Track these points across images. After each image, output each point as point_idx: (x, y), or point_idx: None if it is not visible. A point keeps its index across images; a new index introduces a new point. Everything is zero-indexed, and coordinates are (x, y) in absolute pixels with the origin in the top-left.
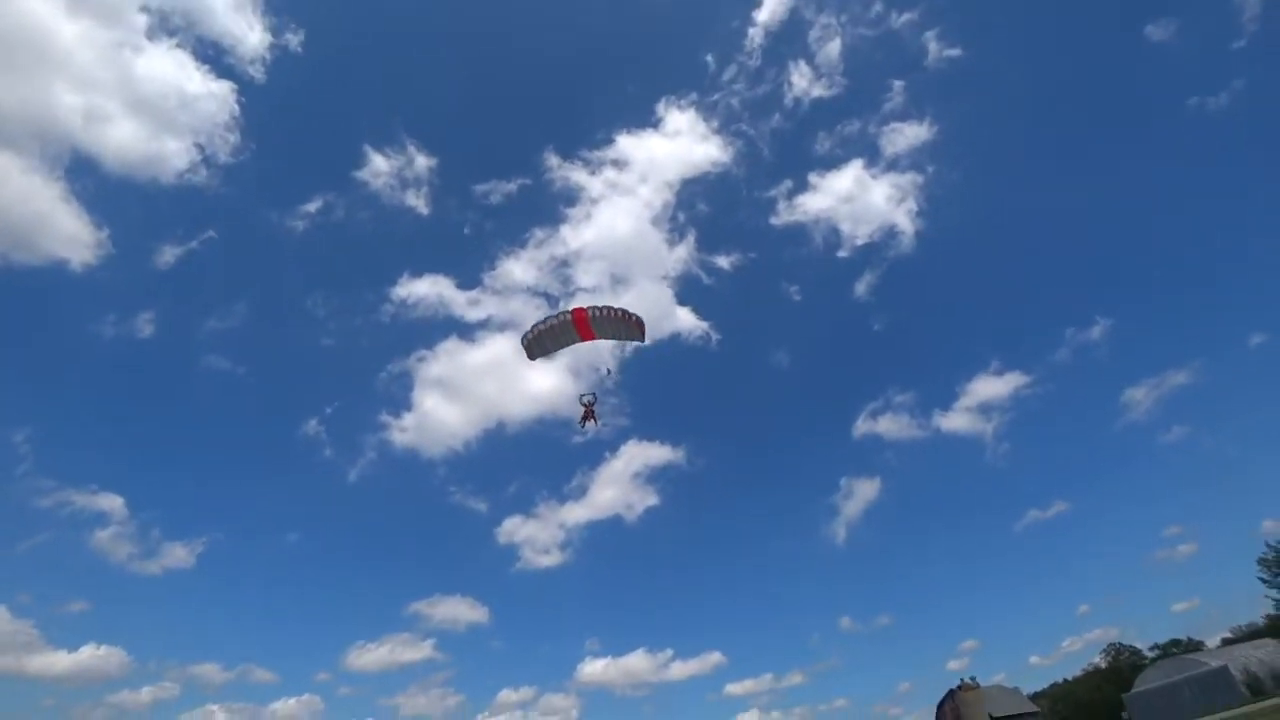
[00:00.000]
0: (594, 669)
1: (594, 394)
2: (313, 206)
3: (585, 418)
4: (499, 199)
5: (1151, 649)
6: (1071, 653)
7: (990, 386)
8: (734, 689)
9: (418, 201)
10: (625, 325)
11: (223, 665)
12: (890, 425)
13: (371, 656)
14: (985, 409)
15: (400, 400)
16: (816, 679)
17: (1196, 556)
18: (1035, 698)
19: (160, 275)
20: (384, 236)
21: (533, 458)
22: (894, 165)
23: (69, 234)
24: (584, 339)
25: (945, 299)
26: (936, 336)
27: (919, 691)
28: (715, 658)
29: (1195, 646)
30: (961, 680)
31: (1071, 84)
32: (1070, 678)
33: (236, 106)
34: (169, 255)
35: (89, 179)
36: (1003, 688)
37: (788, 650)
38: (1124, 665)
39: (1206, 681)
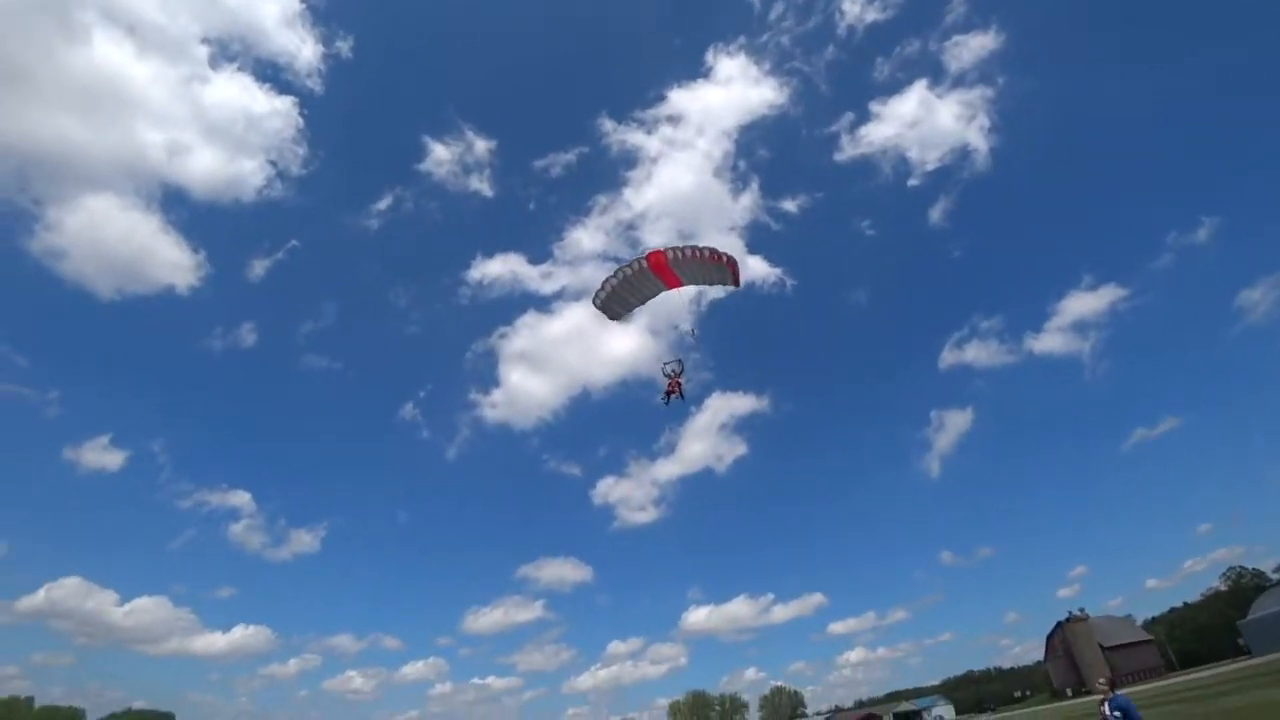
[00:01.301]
0: (698, 617)
1: (679, 361)
2: (383, 204)
3: (669, 392)
4: (559, 171)
5: (1277, 570)
6: (1194, 574)
7: (1084, 303)
8: (837, 628)
9: (481, 184)
10: (713, 267)
11: (355, 635)
12: (978, 353)
13: (487, 619)
14: (1080, 327)
15: (487, 377)
16: (920, 614)
17: None
18: (1150, 624)
19: (255, 287)
20: (453, 222)
21: (620, 419)
22: (960, 81)
23: (171, 261)
24: (667, 286)
25: (1028, 216)
26: (1021, 257)
27: (1028, 622)
28: (817, 599)
29: None
30: (1070, 612)
31: None
32: (1190, 602)
33: (300, 119)
34: (259, 268)
35: (181, 208)
36: (1113, 618)
37: (889, 587)
38: (1247, 588)
39: None
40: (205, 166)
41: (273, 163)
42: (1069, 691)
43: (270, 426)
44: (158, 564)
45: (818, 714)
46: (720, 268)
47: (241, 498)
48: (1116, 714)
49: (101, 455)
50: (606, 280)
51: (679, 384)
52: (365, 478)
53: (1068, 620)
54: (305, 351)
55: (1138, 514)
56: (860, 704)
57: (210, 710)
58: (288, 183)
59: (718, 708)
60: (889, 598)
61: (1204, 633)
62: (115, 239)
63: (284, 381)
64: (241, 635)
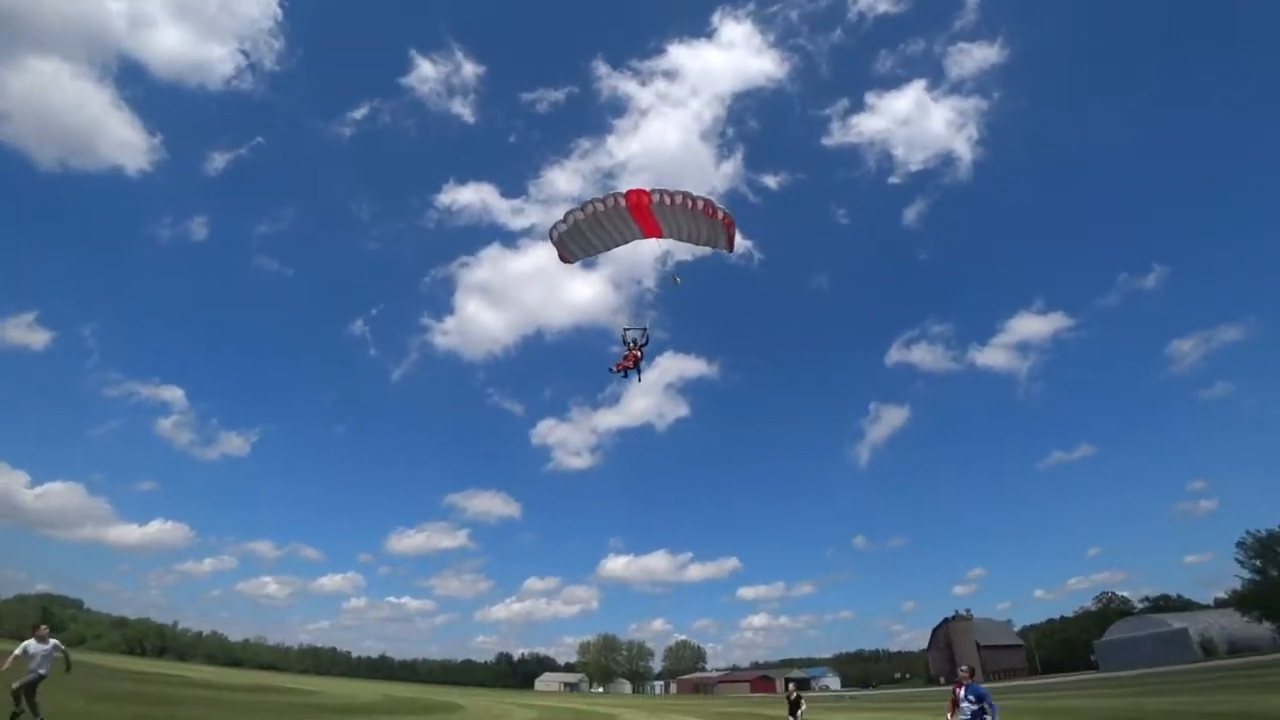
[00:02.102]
0: (616, 565)
1: (644, 331)
2: (359, 113)
3: (625, 366)
4: (546, 107)
5: (1142, 601)
6: (1076, 591)
7: (1031, 325)
8: (746, 593)
9: (464, 109)
10: (705, 222)
11: (276, 543)
12: (925, 355)
13: (410, 542)
14: (1023, 347)
15: (443, 304)
16: (826, 590)
17: (1216, 513)
18: (1025, 631)
19: (212, 180)
20: (430, 143)
21: (569, 364)
22: (958, 88)
23: (123, 140)
24: (642, 234)
25: (996, 233)
26: (982, 270)
27: (921, 612)
28: (732, 563)
29: (1185, 605)
30: (957, 611)
31: (1161, 10)
32: (1065, 616)
33: (280, 10)
34: (219, 161)
35: (137, 85)
36: (994, 621)
37: (801, 562)
38: (1112, 613)
39: (1166, 639)
40: (169, 45)
41: (245, 52)
42: (942, 679)
43: (213, 326)
44: (76, 450)
45: (715, 670)
46: (714, 225)
47: (174, 393)
48: (971, 698)
49: (25, 333)
50: (571, 213)
51: (638, 358)
52: (306, 388)
53: (953, 618)
54: (258, 253)
55: (1039, 529)
56: (756, 665)
57: (119, 600)
58: (259, 76)
59: (625, 652)
60: (799, 571)
61: (1068, 645)
62: (62, 108)
63: (232, 282)
64: (159, 530)
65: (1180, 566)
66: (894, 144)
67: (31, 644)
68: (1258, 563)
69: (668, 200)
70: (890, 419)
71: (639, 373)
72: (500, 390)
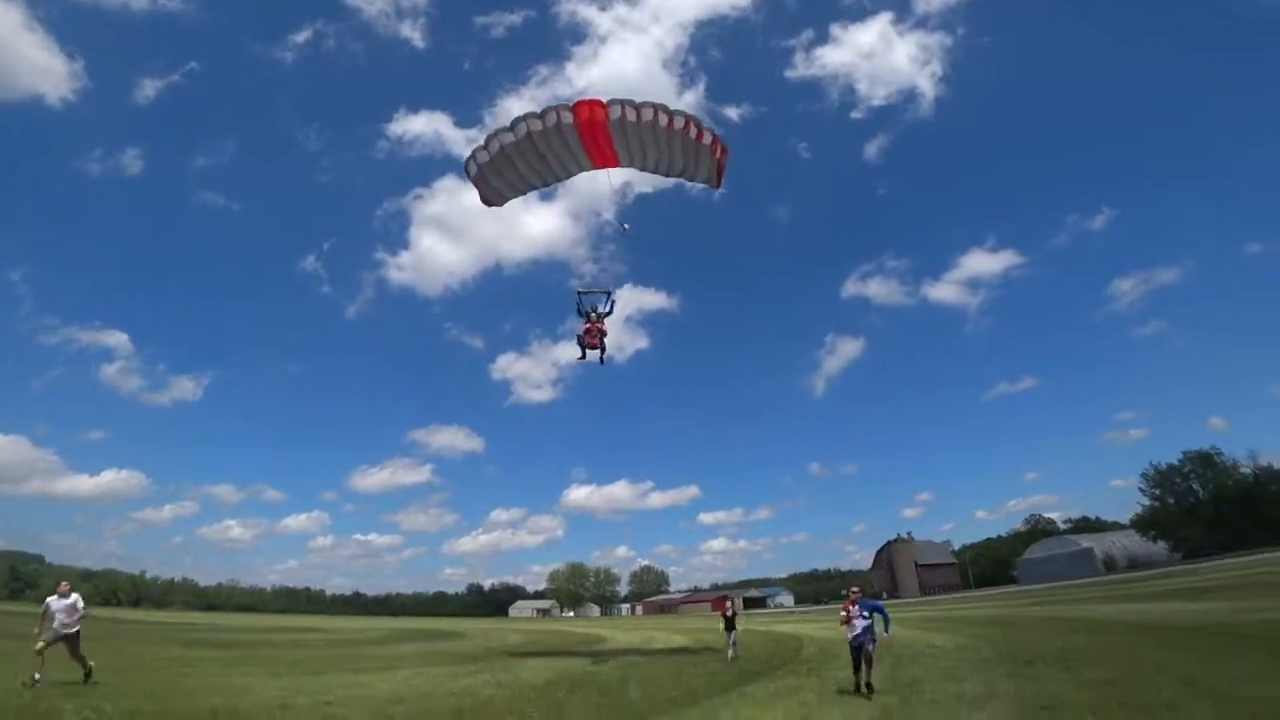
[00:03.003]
0: (579, 495)
1: (607, 295)
2: (301, 36)
3: (589, 345)
4: (501, 32)
5: (1065, 522)
6: (1014, 511)
7: (983, 262)
8: (706, 519)
9: (414, 33)
10: (683, 147)
11: (236, 486)
12: (880, 289)
13: (374, 479)
14: (974, 283)
15: (397, 238)
16: (782, 515)
17: (1143, 442)
18: (963, 549)
19: (143, 110)
20: (378, 69)
21: (529, 298)
22: (923, 23)
23: (39, 65)
24: (593, 164)
25: (953, 170)
26: (938, 207)
27: (872, 533)
28: (692, 490)
29: (1103, 526)
30: (899, 534)
31: None
32: (1002, 535)
33: None
34: (150, 89)
35: (51, 4)
36: (932, 543)
37: (758, 488)
38: (1039, 532)
39: (1075, 557)
40: None
41: None
42: (884, 595)
43: (155, 266)
44: (16, 402)
45: (678, 591)
46: (698, 151)
47: (117, 338)
48: (865, 613)
49: None
50: (496, 136)
51: (601, 332)
52: (258, 328)
53: (895, 540)
54: (199, 188)
55: (982, 455)
56: (716, 587)
57: (77, 553)
58: None
59: (592, 578)
60: (757, 497)
61: (998, 562)
62: None
63: (173, 218)
64: (112, 479)
65: (1108, 490)
66: (857, 78)
67: (53, 600)
68: (1157, 491)
69: (631, 116)
70: (845, 350)
71: (602, 351)
72: (459, 325)
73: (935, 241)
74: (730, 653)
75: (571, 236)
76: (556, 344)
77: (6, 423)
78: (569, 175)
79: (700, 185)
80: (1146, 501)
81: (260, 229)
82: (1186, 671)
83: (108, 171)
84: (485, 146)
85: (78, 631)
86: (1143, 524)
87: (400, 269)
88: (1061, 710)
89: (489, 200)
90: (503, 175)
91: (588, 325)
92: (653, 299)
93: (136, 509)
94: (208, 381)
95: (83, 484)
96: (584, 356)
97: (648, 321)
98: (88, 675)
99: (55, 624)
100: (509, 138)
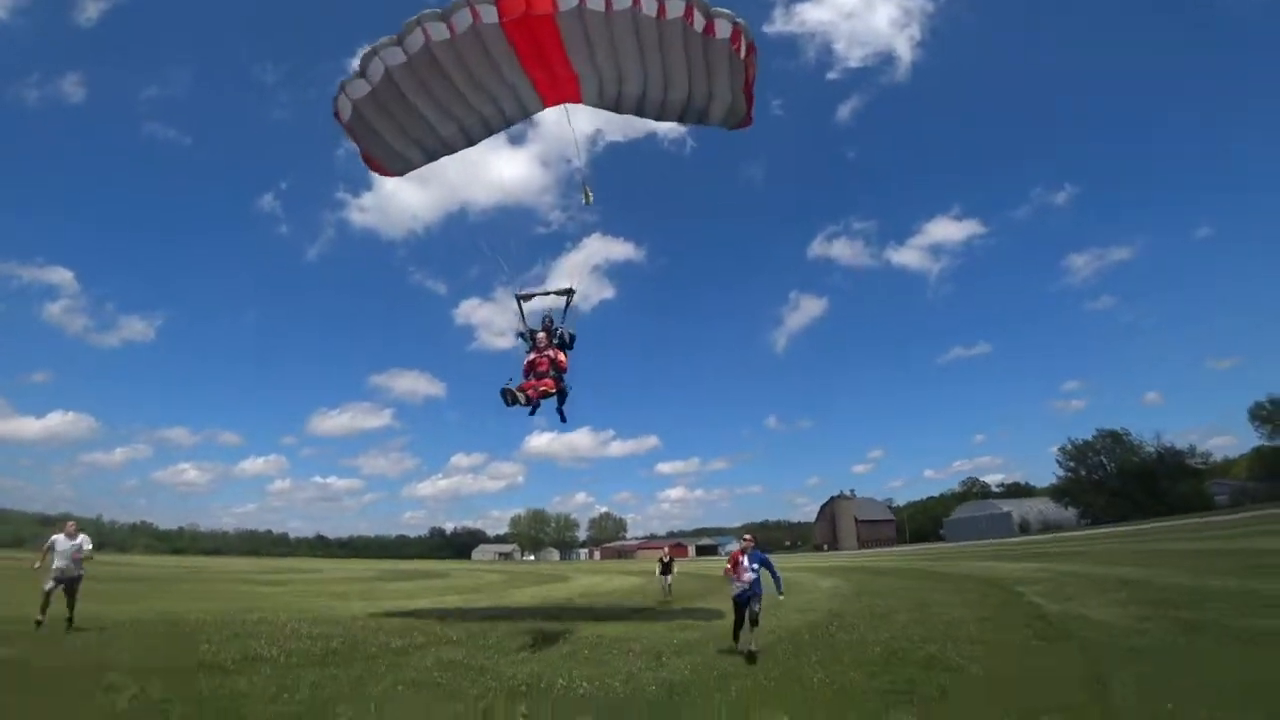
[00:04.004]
0: (540, 442)
1: (567, 297)
2: None
3: (537, 393)
4: None
5: (998, 486)
6: (959, 471)
7: (946, 229)
8: (664, 468)
9: None
10: (689, 51)
11: (191, 429)
12: (845, 250)
13: (333, 423)
14: (936, 250)
15: (359, 179)
16: (738, 466)
17: (1083, 411)
18: (902, 507)
19: (86, 33)
20: (340, 2)
21: (492, 244)
22: None
23: None
24: (540, 92)
25: (924, 137)
26: (907, 173)
27: (824, 486)
28: (651, 440)
29: (1030, 491)
30: (841, 491)
31: None
32: (944, 494)
33: None
34: (92, 10)
35: None
36: (872, 500)
37: (716, 439)
38: (973, 494)
39: (994, 519)
40: None
41: None
42: (825, 547)
43: (101, 201)
44: None
45: (635, 538)
46: (715, 57)
47: (61, 275)
48: (755, 566)
49: None
50: (377, 54)
51: (554, 368)
52: (213, 268)
53: (838, 496)
54: (148, 119)
55: (934, 416)
56: (672, 534)
57: (24, 496)
58: None
59: (553, 524)
60: (714, 448)
61: (933, 520)
62: None
63: (120, 151)
64: (59, 421)
65: (1047, 456)
66: (836, 37)
67: (60, 539)
68: (1072, 464)
69: (599, 5)
70: (808, 308)
71: (559, 399)
72: (422, 270)
73: (902, 206)
74: (664, 591)
75: (540, 183)
76: (522, 290)
77: None
78: (503, 119)
79: (746, 126)
80: (1062, 473)
81: (214, 164)
82: (922, 599)
83: (47, 97)
84: (363, 73)
85: (80, 575)
86: (1057, 493)
87: (362, 210)
88: (845, 616)
89: (380, 165)
90: (395, 122)
91: (531, 357)
92: (620, 249)
93: (85, 451)
94: (160, 322)
95: (28, 426)
96: (533, 409)
97: (614, 272)
98: (70, 622)
99: (60, 564)
100: (396, 56)
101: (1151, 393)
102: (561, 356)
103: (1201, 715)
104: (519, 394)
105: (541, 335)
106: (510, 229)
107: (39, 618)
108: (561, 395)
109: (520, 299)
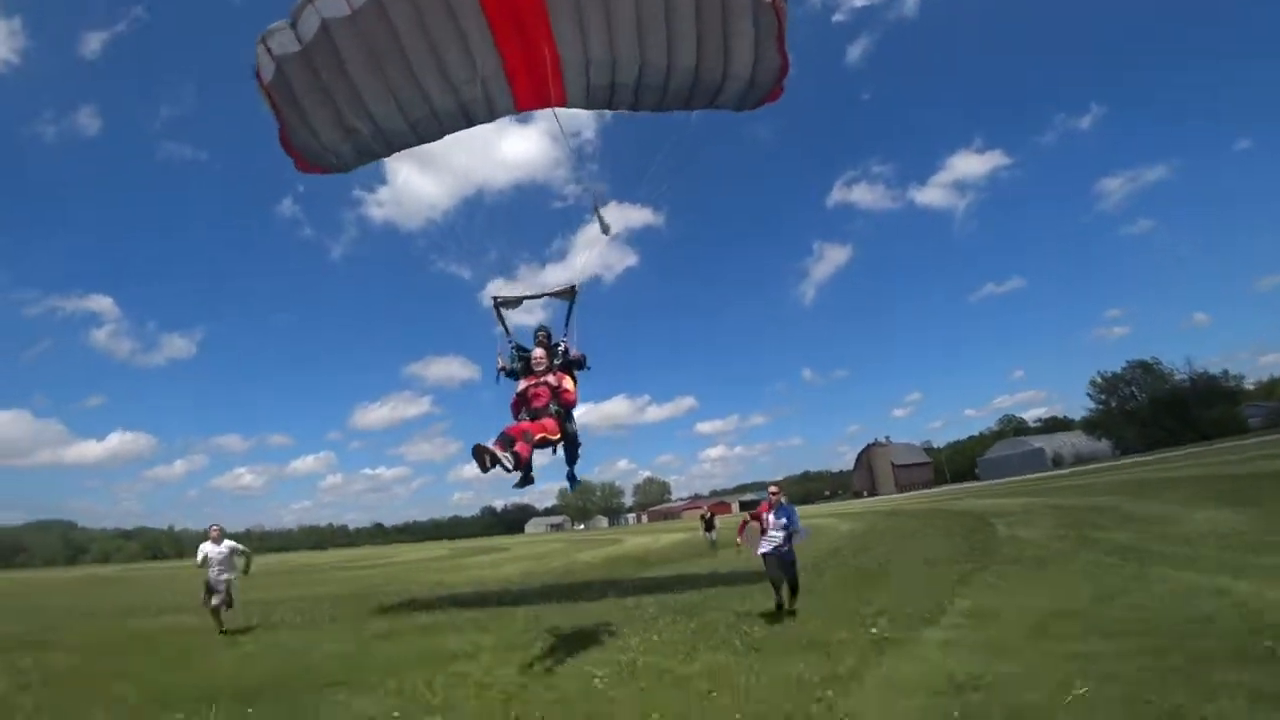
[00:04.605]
0: (577, 413)
1: (570, 299)
2: None
3: (517, 434)
4: None
5: (1036, 422)
6: (1000, 408)
7: (969, 164)
8: (704, 428)
9: None
10: (702, 10)
11: (242, 435)
12: (865, 195)
13: (375, 415)
14: (961, 185)
15: (373, 174)
16: (777, 421)
17: (1127, 338)
18: (941, 449)
19: (91, 65)
20: None
21: (512, 224)
22: None
23: None
24: (516, 95)
25: (939, 70)
26: (924, 108)
27: (864, 433)
28: (688, 402)
29: (1068, 425)
30: (876, 439)
31: None
32: (984, 432)
33: None
34: (94, 42)
35: None
36: (909, 445)
37: (753, 396)
38: (1010, 431)
39: (1027, 455)
40: None
41: None
42: (864, 493)
43: (128, 225)
44: (10, 377)
45: (680, 499)
46: (738, 18)
47: (102, 303)
48: (782, 520)
49: None
50: (304, 14)
51: (559, 403)
52: (243, 278)
53: (873, 444)
54: (162, 139)
55: (971, 354)
56: (715, 493)
57: (96, 515)
58: None
59: (599, 492)
60: (752, 404)
61: (969, 460)
62: None
63: (140, 174)
64: (119, 442)
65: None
66: None
67: (208, 547)
68: (1103, 396)
69: None
70: (833, 258)
71: (571, 460)
72: (444, 257)
73: (921, 144)
74: (710, 545)
75: (552, 157)
76: (544, 268)
77: (4, 398)
78: (462, 116)
79: (775, 99)
80: (1092, 406)
81: (232, 175)
82: (912, 532)
83: (64, 132)
84: (294, 23)
85: (234, 578)
86: (1089, 425)
87: (380, 205)
88: (843, 551)
89: (301, 155)
90: (329, 99)
91: (523, 386)
92: (639, 215)
93: (147, 467)
94: (200, 336)
95: (91, 449)
96: (506, 468)
97: (635, 239)
98: (221, 626)
99: (215, 573)
100: (338, 7)
101: (1199, 313)
102: (568, 385)
103: (987, 593)
104: (499, 452)
105: (538, 354)
106: (528, 206)
107: (221, 629)
108: (571, 444)
109: (500, 305)
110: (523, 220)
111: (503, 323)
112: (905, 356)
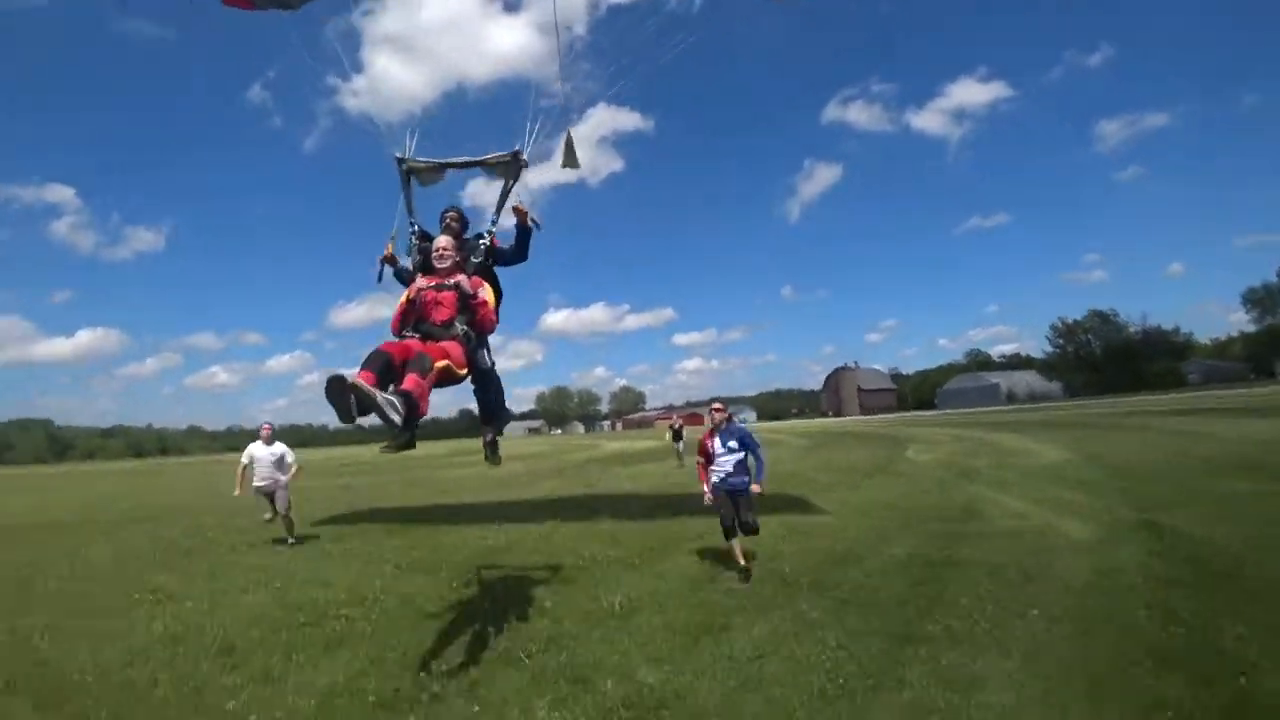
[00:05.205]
0: (556, 319)
1: (509, 177)
2: None
3: (407, 380)
4: None
5: (1001, 357)
6: (974, 340)
7: (971, 92)
8: (681, 340)
9: None
10: None
11: (216, 333)
12: (860, 114)
13: (352, 315)
14: (959, 114)
15: (348, 60)
16: (754, 337)
17: (1103, 283)
18: (908, 377)
19: None
20: None
21: (495, 122)
22: None
23: None
24: None
25: None
26: (931, 31)
27: (837, 355)
28: (667, 313)
29: (1030, 362)
30: (844, 363)
31: None
32: (940, 365)
33: None
34: None
35: None
36: (876, 370)
37: (732, 310)
38: (975, 364)
39: (984, 390)
40: None
41: None
42: (830, 413)
43: (87, 109)
44: None
45: (653, 409)
46: None
47: (61, 192)
48: (731, 444)
49: None
50: None
51: (467, 356)
52: (212, 169)
53: (841, 368)
54: (118, 16)
55: (948, 286)
56: (689, 404)
57: (73, 411)
58: None
59: (576, 399)
60: (730, 318)
61: (933, 389)
62: None
63: (94, 53)
64: (89, 339)
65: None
66: None
67: (257, 448)
68: (1060, 340)
69: None
70: (823, 176)
71: (491, 411)
72: (423, 153)
73: (924, 67)
74: (678, 454)
75: (539, 53)
76: (527, 168)
77: None
78: None
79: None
80: (1048, 349)
81: (196, 58)
82: (841, 451)
83: (6, 4)
84: None
85: (285, 484)
86: (1045, 367)
87: (355, 95)
88: (786, 461)
89: None
90: None
91: (418, 290)
92: (627, 119)
93: (119, 365)
94: (168, 230)
95: (60, 346)
96: (385, 419)
97: (622, 143)
98: (291, 534)
99: (264, 476)
100: None
101: (1175, 264)
102: (486, 296)
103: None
104: (367, 389)
105: (443, 243)
106: (512, 103)
107: (289, 539)
108: (488, 389)
109: (410, 171)
110: (506, 118)
111: (407, 197)
112: (885, 282)
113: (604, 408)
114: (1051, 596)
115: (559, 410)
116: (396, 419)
